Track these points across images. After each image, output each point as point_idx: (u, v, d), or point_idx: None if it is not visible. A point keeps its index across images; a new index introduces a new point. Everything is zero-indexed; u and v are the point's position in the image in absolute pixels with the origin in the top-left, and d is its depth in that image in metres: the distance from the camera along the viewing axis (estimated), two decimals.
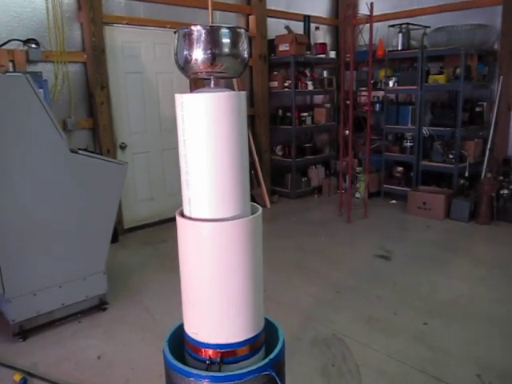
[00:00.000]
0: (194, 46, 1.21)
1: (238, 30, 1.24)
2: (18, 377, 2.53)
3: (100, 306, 3.32)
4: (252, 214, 1.37)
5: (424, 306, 3.29)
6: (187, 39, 1.22)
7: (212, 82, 1.29)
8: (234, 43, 1.24)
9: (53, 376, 2.58)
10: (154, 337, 2.98)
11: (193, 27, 1.20)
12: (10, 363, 2.70)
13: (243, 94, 1.29)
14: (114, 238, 4.61)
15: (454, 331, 2.97)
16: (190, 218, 1.33)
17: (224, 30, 1.22)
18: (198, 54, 1.22)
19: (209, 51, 1.21)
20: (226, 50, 1.23)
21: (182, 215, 1.37)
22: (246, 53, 1.27)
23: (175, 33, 1.26)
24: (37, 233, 2.87)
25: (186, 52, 1.23)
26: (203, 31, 1.20)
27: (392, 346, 2.81)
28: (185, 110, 1.25)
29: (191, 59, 1.22)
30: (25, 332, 2.98)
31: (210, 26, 1.20)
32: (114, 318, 3.24)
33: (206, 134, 1.24)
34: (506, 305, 3.29)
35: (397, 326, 3.04)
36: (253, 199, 5.63)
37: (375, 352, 2.75)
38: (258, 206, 1.42)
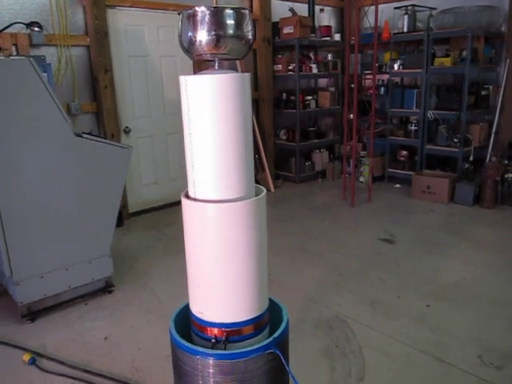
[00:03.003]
0: (199, 28, 1.21)
1: (242, 11, 1.24)
2: (27, 357, 2.58)
3: (106, 288, 3.37)
4: (256, 195, 1.38)
5: (427, 289, 3.32)
6: (191, 20, 1.21)
7: (216, 63, 1.29)
8: (239, 24, 1.23)
9: (61, 356, 2.63)
10: (159, 319, 3.02)
11: (197, 8, 1.20)
12: (19, 344, 2.75)
13: (247, 75, 1.29)
14: (119, 222, 4.65)
15: (456, 314, 3.00)
16: (194, 200, 1.35)
17: (228, 11, 1.21)
18: (203, 36, 1.22)
19: (213, 32, 1.21)
20: (231, 31, 1.23)
21: (187, 197, 1.39)
22: (250, 34, 1.27)
23: (179, 14, 1.25)
24: (43, 216, 2.90)
25: (190, 33, 1.23)
26: (207, 12, 1.20)
27: (394, 327, 2.84)
28: (189, 91, 1.26)
29: (195, 41, 1.22)
30: (33, 314, 3.03)
31: (214, 7, 1.20)
32: (120, 300, 3.29)
33: (210, 116, 1.25)
34: (508, 288, 3.31)
35: (399, 309, 3.07)
36: (257, 183, 5.63)
37: (378, 333, 2.79)
38: (262, 187, 1.43)
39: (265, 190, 1.41)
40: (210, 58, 1.28)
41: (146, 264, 3.88)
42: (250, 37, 1.27)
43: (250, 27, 1.26)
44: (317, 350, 2.65)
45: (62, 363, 2.57)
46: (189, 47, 1.26)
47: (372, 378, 2.39)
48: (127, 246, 4.30)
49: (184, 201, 1.36)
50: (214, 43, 1.21)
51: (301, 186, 6.32)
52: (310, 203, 5.56)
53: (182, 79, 1.27)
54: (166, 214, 5.24)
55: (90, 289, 3.29)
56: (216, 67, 1.29)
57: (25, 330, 2.94)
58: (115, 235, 3.36)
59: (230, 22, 1.22)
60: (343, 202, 5.50)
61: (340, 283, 3.47)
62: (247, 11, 1.25)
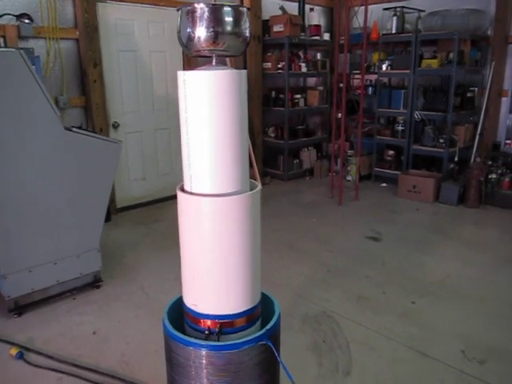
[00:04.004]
0: (197, 24, 1.23)
1: (240, 8, 1.26)
2: (14, 351, 2.57)
3: (94, 283, 3.36)
4: (251, 189, 1.41)
5: (412, 286, 3.38)
6: (190, 17, 1.23)
7: (214, 59, 1.31)
8: (237, 22, 1.25)
9: (49, 350, 2.63)
10: (148, 314, 3.03)
11: (196, 5, 1.22)
12: (5, 338, 2.74)
13: (244, 72, 1.32)
14: (107, 217, 4.62)
15: (440, 310, 3.06)
16: (190, 193, 1.36)
17: (227, 9, 1.23)
18: (201, 32, 1.23)
19: (211, 29, 1.22)
20: (229, 28, 1.25)
21: (183, 190, 1.41)
22: (247, 32, 1.29)
23: (178, 10, 1.27)
24: (31, 210, 2.88)
25: (189, 30, 1.24)
26: (206, 9, 1.22)
27: (381, 323, 2.90)
28: (187, 87, 1.27)
29: (194, 37, 1.24)
30: (20, 308, 3.02)
31: (213, 4, 1.22)
32: (108, 295, 3.29)
33: (208, 111, 1.27)
34: (491, 284, 3.40)
35: (385, 305, 3.13)
36: None
37: (364, 329, 2.84)
38: (257, 182, 1.46)
39: (259, 185, 1.44)
40: (207, 54, 1.30)
41: (134, 259, 3.88)
42: (248, 34, 1.29)
43: (247, 25, 1.28)
44: (304, 345, 2.69)
45: (50, 357, 2.56)
46: (187, 43, 1.27)
47: (358, 372, 2.44)
48: (115, 241, 4.29)
49: (180, 194, 1.38)
50: (213, 40, 1.23)
51: (288, 184, 6.36)
52: (297, 201, 5.60)
53: (181, 74, 1.29)
54: (153, 209, 5.23)
55: (79, 283, 3.28)
56: (213, 63, 1.31)
57: (12, 324, 2.92)
58: (103, 230, 3.35)
59: (229, 19, 1.24)
60: (330, 200, 5.55)
61: (327, 279, 3.51)
62: (245, 9, 1.27)
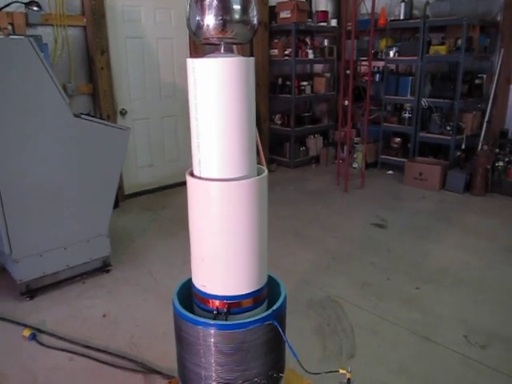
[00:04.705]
0: (206, 12, 1.25)
1: None
2: (27, 332, 2.65)
3: (103, 267, 3.43)
4: (258, 174, 1.45)
5: (416, 273, 3.42)
6: (199, 5, 1.25)
7: (222, 47, 1.33)
8: (245, 10, 1.28)
9: (60, 332, 2.70)
10: (156, 298, 3.10)
11: None
12: (18, 320, 2.81)
13: (252, 59, 1.34)
14: (115, 204, 4.65)
15: (444, 296, 3.10)
16: (199, 178, 1.40)
17: None
18: (210, 20, 1.26)
19: (220, 17, 1.25)
20: (237, 16, 1.27)
21: (192, 175, 1.45)
22: (255, 19, 1.31)
23: None
24: (42, 196, 2.94)
25: (198, 17, 1.27)
26: None
27: (384, 308, 2.94)
28: (197, 74, 1.30)
29: (203, 25, 1.27)
30: (31, 291, 3.09)
31: None
32: (117, 280, 3.36)
33: (216, 98, 1.30)
34: (495, 272, 3.43)
35: (389, 291, 3.17)
36: None
37: (368, 313, 2.89)
38: (264, 168, 1.49)
39: (266, 170, 1.47)
40: (216, 42, 1.33)
41: (142, 245, 3.94)
42: (255, 22, 1.31)
43: (255, 13, 1.30)
44: (309, 328, 2.74)
45: (62, 339, 2.64)
46: (196, 31, 1.30)
47: (362, 355, 2.49)
48: (123, 227, 4.36)
49: (189, 179, 1.42)
50: (221, 27, 1.26)
51: (295, 171, 6.39)
52: (303, 188, 5.63)
53: (190, 62, 1.32)
54: (161, 196, 5.29)
55: (88, 268, 3.35)
56: (222, 51, 1.33)
57: (24, 307, 2.99)
58: (112, 217, 3.40)
59: (237, 7, 1.26)
60: (336, 188, 5.58)
61: (332, 266, 3.56)
62: None
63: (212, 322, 1.40)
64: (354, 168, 6.22)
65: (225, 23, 1.25)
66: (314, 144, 6.75)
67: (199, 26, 1.27)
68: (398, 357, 2.49)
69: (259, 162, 5.11)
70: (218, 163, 1.36)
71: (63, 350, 2.54)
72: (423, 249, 3.84)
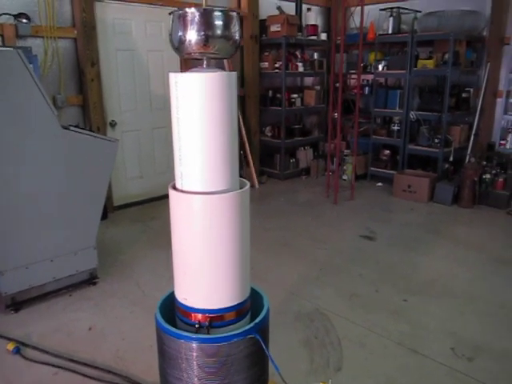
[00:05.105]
0: (188, 28, 1.27)
1: (230, 13, 1.30)
2: (11, 346, 2.61)
3: (90, 280, 3.40)
4: (240, 188, 1.45)
5: (405, 284, 3.43)
6: (182, 21, 1.27)
7: (205, 62, 1.35)
8: (227, 26, 1.30)
9: (45, 346, 2.67)
10: (143, 310, 3.07)
11: (187, 9, 1.26)
12: (3, 333, 2.78)
13: (234, 74, 1.36)
14: (104, 215, 4.64)
15: (432, 308, 3.11)
16: (181, 191, 1.41)
17: (217, 13, 1.27)
18: (192, 36, 1.28)
19: (202, 33, 1.27)
20: (219, 32, 1.29)
21: (175, 188, 1.45)
22: (237, 35, 1.33)
23: (170, 14, 1.31)
24: (29, 207, 2.92)
25: (180, 33, 1.29)
26: (197, 13, 1.26)
27: (372, 320, 2.94)
28: (179, 88, 1.32)
29: (185, 40, 1.28)
30: (17, 304, 3.05)
31: (204, 9, 1.26)
32: (104, 292, 3.33)
33: (198, 112, 1.31)
34: (483, 284, 3.45)
35: (377, 303, 3.18)
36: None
37: (356, 326, 2.89)
38: (246, 181, 1.50)
39: (248, 184, 1.48)
40: (198, 57, 1.34)
41: (130, 257, 3.92)
42: (237, 37, 1.33)
43: (237, 28, 1.32)
44: (297, 341, 2.73)
45: (47, 352, 2.60)
46: (179, 46, 1.32)
47: (349, 368, 2.48)
48: (112, 238, 4.33)
49: (171, 192, 1.43)
50: (203, 43, 1.27)
51: (285, 183, 6.41)
52: (293, 200, 5.65)
53: (172, 76, 1.33)
54: (150, 207, 5.27)
55: (75, 280, 3.32)
56: (204, 65, 1.35)
57: (9, 320, 2.96)
58: (100, 228, 3.39)
59: (219, 23, 1.28)
60: (326, 200, 5.60)
61: (321, 277, 3.56)
62: (235, 13, 1.31)
63: (194, 335, 1.40)
64: (344, 180, 6.25)
65: (207, 38, 1.27)
66: (305, 156, 6.78)
67: (181, 41, 1.29)
68: (385, 369, 2.48)
69: (249, 174, 5.11)
70: (199, 176, 1.36)
71: (48, 364, 2.50)
72: (412, 260, 3.85)
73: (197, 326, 1.43)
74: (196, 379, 1.43)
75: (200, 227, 1.38)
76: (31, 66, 3.76)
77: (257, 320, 1.46)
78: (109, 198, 4.88)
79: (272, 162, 6.60)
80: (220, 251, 1.40)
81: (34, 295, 3.13)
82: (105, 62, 4.76)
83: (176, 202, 1.42)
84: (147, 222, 4.80)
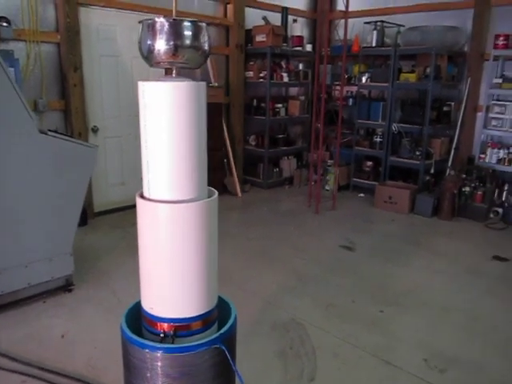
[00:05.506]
0: (157, 37, 1.28)
1: (199, 23, 1.31)
2: None
3: (66, 286, 3.36)
4: (209, 197, 1.46)
5: (381, 295, 3.45)
6: (151, 30, 1.28)
7: (174, 71, 1.35)
8: (196, 36, 1.31)
9: (16, 353, 2.62)
10: (117, 318, 2.97)
11: (156, 19, 1.27)
12: None
13: (203, 84, 1.37)
14: (84, 221, 4.63)
15: (407, 319, 3.13)
16: (148, 200, 1.41)
17: (186, 24, 1.28)
18: (161, 45, 1.28)
19: (171, 42, 1.27)
20: (188, 42, 1.30)
21: (142, 197, 1.45)
22: (206, 45, 1.34)
23: (140, 23, 1.32)
24: (2, 212, 2.88)
25: (149, 42, 1.29)
26: (166, 23, 1.27)
27: (348, 331, 2.95)
28: (146, 97, 1.32)
29: (154, 49, 1.29)
30: None
31: (173, 19, 1.27)
32: (79, 299, 3.29)
33: (165, 121, 1.32)
34: (458, 295, 3.48)
35: (354, 313, 3.19)
36: (224, 188, 5.65)
37: (331, 336, 2.89)
38: (215, 190, 1.50)
39: (216, 193, 1.48)
40: (168, 66, 1.35)
41: (108, 263, 3.88)
42: (206, 48, 1.34)
43: (206, 38, 1.33)
44: (272, 351, 2.72)
45: (15, 360, 2.56)
46: (148, 55, 1.32)
47: (322, 379, 2.48)
48: (90, 245, 4.29)
49: (138, 200, 1.42)
50: (172, 52, 1.28)
51: (268, 192, 6.42)
52: (276, 209, 5.66)
53: (140, 85, 1.34)
54: (132, 214, 5.14)
55: (50, 287, 3.27)
56: (174, 75, 1.35)
57: None
58: (79, 234, 3.36)
59: (188, 33, 1.29)
60: (308, 209, 5.62)
61: (298, 287, 3.56)
62: (204, 24, 1.32)
63: (158, 345, 1.39)
64: (327, 190, 6.29)
65: (176, 48, 1.28)
66: (288, 165, 6.81)
67: (150, 50, 1.30)
68: (357, 380, 2.49)
69: (232, 183, 5.10)
70: (166, 185, 1.36)
71: (16, 371, 2.46)
72: (390, 271, 3.88)
73: (161, 335, 1.42)
74: None
75: (166, 236, 1.38)
76: (12, 69, 3.76)
77: (222, 330, 1.45)
78: (89, 204, 4.84)
79: (255, 170, 6.62)
80: (186, 261, 1.40)
81: (7, 301, 3.07)
82: (88, 68, 4.74)
83: (142, 210, 1.42)
84: (127, 228, 4.76)
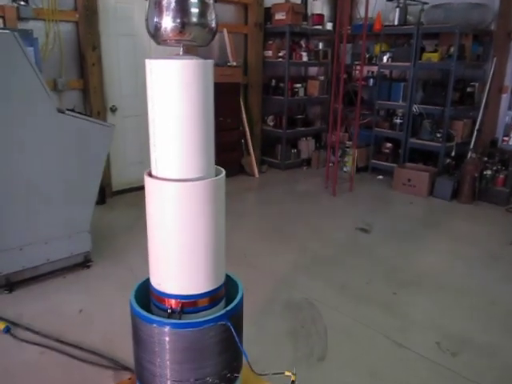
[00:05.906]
0: (164, 14, 1.27)
1: (206, 0, 1.30)
2: (1, 325, 2.65)
3: (84, 263, 3.44)
4: (216, 175, 1.46)
5: (396, 277, 3.43)
6: (157, 7, 1.27)
7: (181, 49, 1.35)
8: (203, 13, 1.29)
9: (36, 326, 2.71)
10: None
11: None
12: None
13: (210, 62, 1.36)
14: (102, 200, 4.70)
15: (420, 301, 3.12)
16: (156, 178, 1.42)
17: (193, 0, 1.27)
18: (168, 23, 1.28)
19: (178, 20, 1.27)
20: (195, 19, 1.29)
21: (150, 175, 1.46)
22: (213, 23, 1.33)
23: (146, 0, 1.31)
24: (22, 189, 2.95)
25: (156, 19, 1.29)
26: (173, 0, 1.26)
27: (360, 312, 2.96)
28: (153, 75, 1.32)
29: (161, 27, 1.29)
30: (11, 284, 3.10)
31: None
32: (97, 275, 3.37)
33: (172, 99, 1.32)
34: (473, 279, 3.44)
35: (367, 294, 3.19)
36: (242, 168, 5.65)
37: (344, 316, 2.90)
38: (222, 169, 1.51)
39: (224, 172, 1.49)
40: (175, 44, 1.34)
41: (125, 241, 3.95)
42: (214, 25, 1.33)
43: (213, 16, 1.31)
44: (283, 330, 2.75)
45: (37, 333, 2.64)
46: (155, 32, 1.32)
47: (333, 358, 2.50)
48: (108, 223, 4.37)
49: (146, 179, 1.44)
50: (179, 30, 1.27)
51: (285, 173, 6.40)
52: (292, 190, 5.65)
53: (148, 63, 1.34)
54: None
55: (69, 263, 3.35)
56: (181, 53, 1.35)
57: (2, 299, 3.00)
58: (97, 213, 3.42)
59: (195, 10, 1.28)
60: (325, 191, 5.59)
61: (313, 268, 3.57)
62: (211, 1, 1.31)
63: (166, 320, 1.42)
64: (345, 172, 6.23)
65: (183, 26, 1.27)
66: (306, 146, 6.76)
67: (157, 28, 1.29)
68: (368, 361, 2.50)
69: (249, 163, 5.09)
70: (173, 164, 1.37)
71: (36, 343, 2.55)
72: (406, 254, 3.85)
73: (169, 311, 1.45)
74: (168, 363, 1.46)
75: (173, 214, 1.40)
76: (31, 48, 3.79)
77: (229, 307, 1.48)
78: (108, 183, 4.92)
79: (273, 151, 6.59)
80: (193, 238, 1.42)
81: (27, 276, 3.17)
82: (106, 47, 4.75)
83: (150, 188, 1.43)
84: (145, 207, 4.80)
